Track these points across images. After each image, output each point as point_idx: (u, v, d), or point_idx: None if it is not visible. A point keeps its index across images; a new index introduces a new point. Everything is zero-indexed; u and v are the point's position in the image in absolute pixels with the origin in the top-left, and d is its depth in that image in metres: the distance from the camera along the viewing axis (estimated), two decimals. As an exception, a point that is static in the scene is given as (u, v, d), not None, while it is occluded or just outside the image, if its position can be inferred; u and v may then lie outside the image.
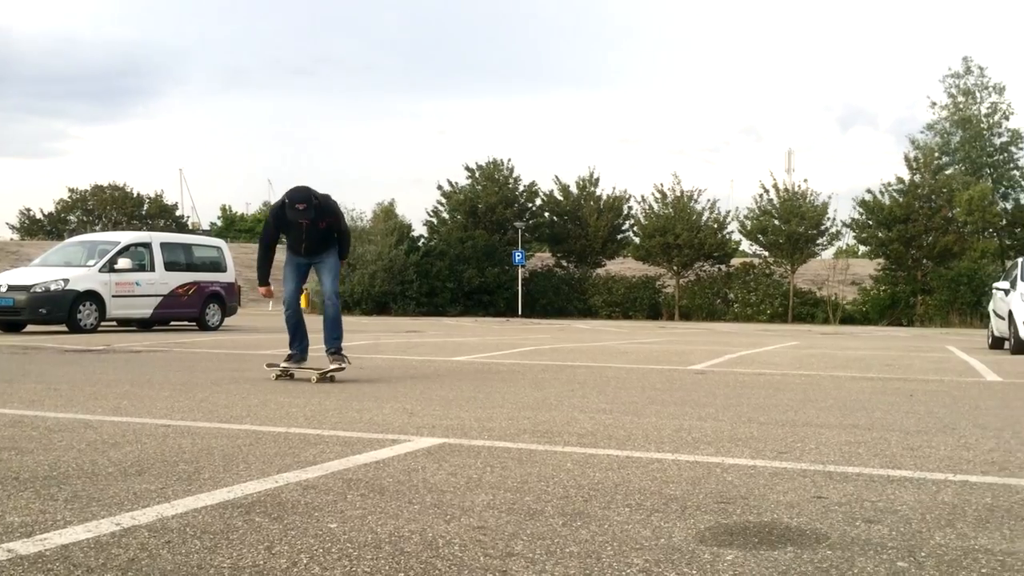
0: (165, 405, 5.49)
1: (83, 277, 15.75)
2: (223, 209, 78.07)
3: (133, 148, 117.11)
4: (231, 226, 73.74)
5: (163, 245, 17.55)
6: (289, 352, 7.33)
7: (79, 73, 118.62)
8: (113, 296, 16.10)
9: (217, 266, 18.71)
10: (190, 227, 53.58)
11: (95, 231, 42.70)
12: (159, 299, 17.00)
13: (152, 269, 16.97)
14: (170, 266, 17.37)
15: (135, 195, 51.87)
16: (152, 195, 52.44)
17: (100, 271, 16.00)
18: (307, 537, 2.54)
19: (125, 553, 2.37)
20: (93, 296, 15.75)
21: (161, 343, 12.68)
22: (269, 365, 7.41)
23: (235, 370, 8.27)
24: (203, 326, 17.86)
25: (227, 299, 18.58)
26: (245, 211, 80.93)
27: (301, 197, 6.95)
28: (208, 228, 61.53)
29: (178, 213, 55.09)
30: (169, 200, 52.77)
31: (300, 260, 7.35)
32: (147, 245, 17.22)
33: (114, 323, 17.15)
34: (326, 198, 7.19)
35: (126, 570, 2.23)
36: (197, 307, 17.80)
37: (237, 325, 20.13)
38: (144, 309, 16.88)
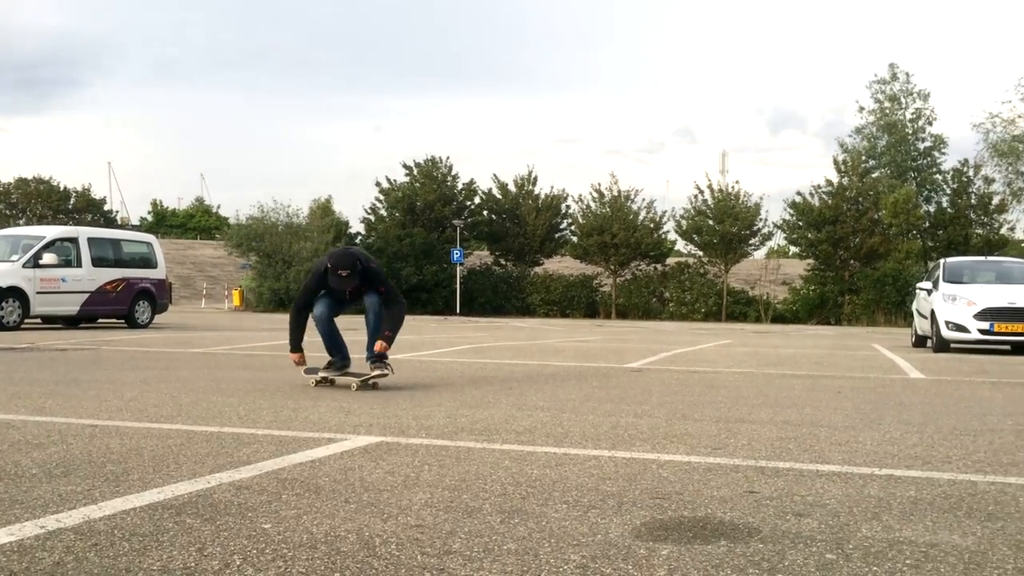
0: (92, 405, 5.34)
1: (6, 273, 15.22)
2: (154, 204, 76.33)
3: (59, 140, 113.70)
4: (162, 221, 72.14)
5: (91, 240, 17.06)
6: (329, 359, 6.76)
7: (1, 62, 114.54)
8: (38, 292, 15.60)
9: (147, 262, 18.27)
10: (119, 222, 52.16)
11: (19, 225, 41.27)
12: (86, 296, 16.53)
13: (79, 265, 16.49)
14: (98, 262, 16.91)
15: (61, 189, 50.26)
16: (79, 189, 50.88)
17: (24, 266, 15.49)
18: (240, 538, 2.49)
19: (50, 556, 2.29)
20: (16, 292, 15.24)
21: (88, 341, 12.33)
22: (308, 371, 6.74)
23: (166, 368, 8.08)
24: (132, 324, 17.43)
25: (157, 296, 18.16)
26: (177, 206, 79.25)
27: (346, 264, 6.37)
28: (138, 223, 60.05)
29: (107, 208, 53.56)
30: (97, 194, 51.25)
31: (343, 298, 6.73)
32: (74, 240, 16.73)
33: (39, 320, 16.63)
34: (374, 265, 6.65)
35: (51, 574, 2.16)
36: (126, 304, 17.36)
37: (168, 323, 19.68)
38: (70, 306, 16.39)
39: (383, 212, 38.41)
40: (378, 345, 6.53)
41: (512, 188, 38.38)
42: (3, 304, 15.02)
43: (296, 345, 6.77)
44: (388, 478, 3.31)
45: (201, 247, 60.34)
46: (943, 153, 39.26)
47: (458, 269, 35.48)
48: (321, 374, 6.71)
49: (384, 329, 6.57)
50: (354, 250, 6.70)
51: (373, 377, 6.50)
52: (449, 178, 38.04)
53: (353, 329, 7.93)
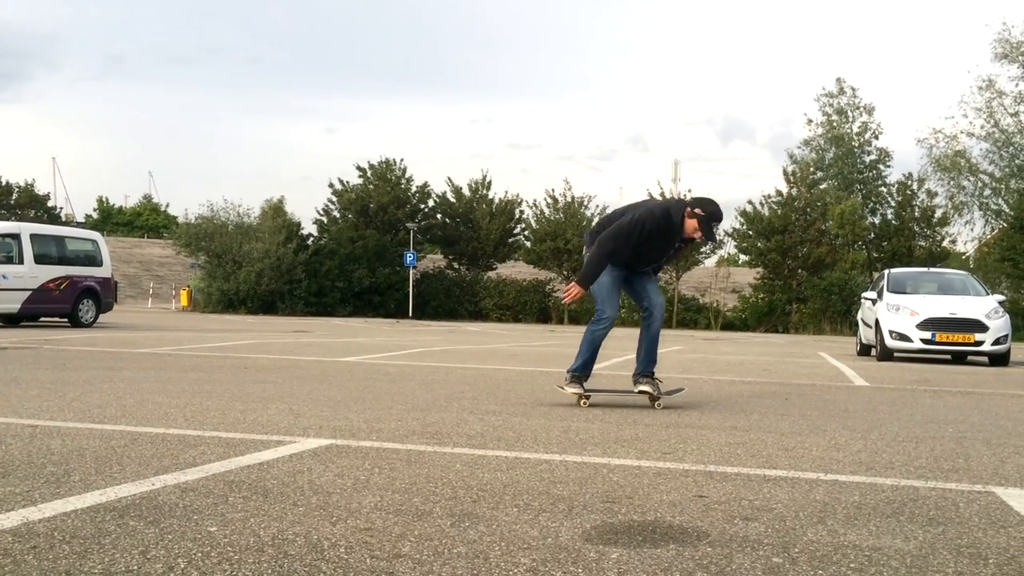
0: (33, 405, 5.20)
1: (-57, 268, 14.77)
2: (100, 201, 74.71)
3: (1, 134, 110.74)
4: (108, 219, 70.65)
5: (33, 237, 16.65)
6: (584, 373, 6.07)
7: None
8: (-24, 289, 15.17)
9: (92, 260, 17.87)
10: (63, 219, 50.94)
11: (-43, 220, 40.05)
12: (28, 293, 16.12)
13: (20, 262, 16.08)
14: (40, 259, 16.50)
15: (3, 183, 48.92)
16: (22, 184, 49.57)
17: (-38, 262, 15.05)
18: (185, 541, 2.45)
19: (-15, 560, 2.22)
20: (-46, 289, 14.81)
21: (30, 340, 12.01)
22: (567, 386, 6.05)
23: (110, 369, 7.91)
24: (76, 323, 17.03)
25: (102, 295, 17.78)
26: (124, 204, 77.67)
27: (721, 217, 5.85)
28: (83, 220, 58.68)
29: (50, 204, 52.23)
30: (41, 190, 49.94)
31: (620, 273, 6.04)
32: (16, 236, 16.30)
33: (-23, 318, 16.17)
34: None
35: (-14, 578, 2.10)
36: (69, 303, 16.97)
37: (113, 322, 19.26)
38: (11, 304, 15.97)
39: (336, 214, 38.09)
40: None
41: (466, 192, 38.34)
42: (-60, 301, 14.59)
43: (590, 283, 5.88)
44: (337, 481, 3.28)
45: (148, 246, 59.23)
46: (888, 166, 40.26)
47: (411, 272, 35.32)
48: (578, 388, 6.00)
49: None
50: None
51: (671, 392, 6.11)
52: (403, 181, 37.87)
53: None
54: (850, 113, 40.57)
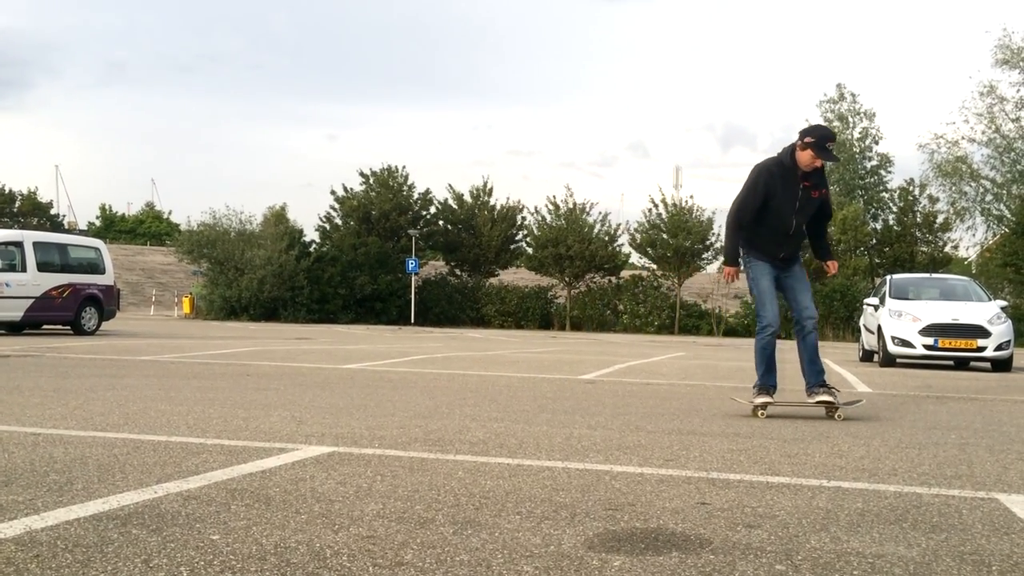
0: (36, 412, 5.20)
1: (-54, 276, 14.80)
2: (102, 208, 74.85)
3: (4, 142, 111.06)
4: (111, 226, 70.77)
5: (36, 245, 16.69)
6: (766, 384, 6.02)
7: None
8: (-21, 297, 15.21)
9: (95, 268, 17.90)
10: (66, 226, 51.08)
11: (-40, 228, 40.17)
12: (31, 301, 16.15)
13: (23, 269, 16.11)
14: (43, 267, 16.53)
15: (6, 191, 49.08)
16: (25, 192, 49.74)
17: (-35, 270, 15.08)
18: (188, 549, 2.45)
19: (-12, 569, 2.23)
20: (-43, 297, 14.84)
21: (32, 347, 12.02)
22: (752, 402, 6.04)
23: (113, 376, 7.91)
24: (78, 330, 17.05)
25: (105, 302, 17.80)
26: (126, 211, 77.82)
27: (833, 134, 5.69)
28: (85, 228, 58.79)
29: (53, 211, 52.48)
30: (44, 198, 50.29)
31: (773, 267, 6.03)
32: (19, 244, 16.34)
33: (-21, 326, 16.20)
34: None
35: (-11, 587, 2.10)
36: (72, 310, 16.99)
37: (115, 330, 19.28)
38: (14, 312, 15.99)
39: (338, 221, 38.12)
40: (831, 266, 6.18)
41: (468, 199, 38.37)
42: (-57, 309, 14.61)
43: (734, 258, 6.14)
44: (340, 488, 3.28)
45: (151, 253, 59.30)
46: (889, 172, 40.31)
47: (413, 279, 35.34)
48: (762, 399, 5.96)
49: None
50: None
51: (850, 403, 5.95)
52: (405, 187, 37.91)
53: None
54: (851, 119, 40.64)
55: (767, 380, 6.02)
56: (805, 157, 5.70)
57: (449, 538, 2.63)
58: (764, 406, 5.92)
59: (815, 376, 6.00)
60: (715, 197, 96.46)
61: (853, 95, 40.72)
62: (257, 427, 4.84)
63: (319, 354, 12.38)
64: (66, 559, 2.32)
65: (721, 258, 38.08)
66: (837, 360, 15.33)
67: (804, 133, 5.74)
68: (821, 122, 40.17)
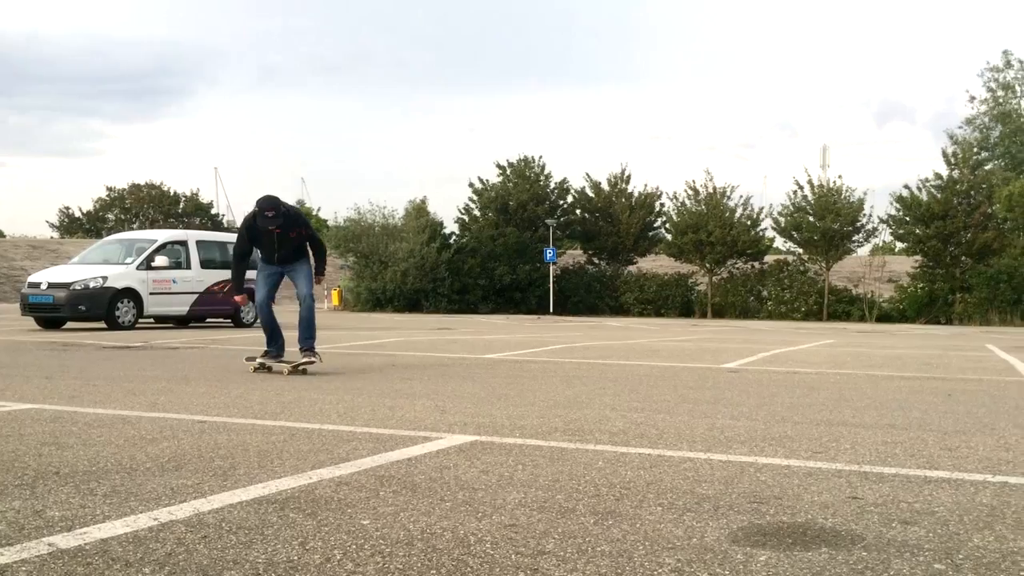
0: (201, 401, 5.57)
1: (121, 275, 15.99)
2: (257, 207, 78.89)
3: (168, 147, 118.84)
4: (265, 224, 74.49)
5: (199, 243, 17.77)
6: (266, 349, 7.78)
7: (112, 73, 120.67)
8: (150, 293, 16.35)
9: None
10: (225, 225, 54.17)
11: (133, 229, 43.33)
12: (195, 296, 17.22)
13: (188, 267, 17.19)
14: (206, 264, 17.58)
15: (171, 193, 52.58)
16: (188, 193, 53.14)
17: (138, 269, 16.24)
18: (340, 533, 2.56)
19: (162, 548, 2.41)
20: (131, 293, 16.00)
21: (197, 340, 12.84)
22: (248, 359, 7.87)
23: (269, 367, 8.34)
24: (238, 323, 18.06)
25: (261, 296, 18.74)
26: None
27: (270, 204, 7.40)
28: (243, 226, 62.04)
29: (213, 211, 55.76)
30: (204, 198, 53.47)
31: (273, 268, 7.85)
32: (183, 243, 17.46)
33: (151, 320, 17.41)
34: (295, 209, 7.82)
35: (163, 564, 2.27)
36: (233, 304, 18.00)
37: (271, 322, 20.31)
38: (181, 306, 17.10)
39: (476, 212, 38.72)
40: (317, 279, 8.05)
41: (605, 186, 38.14)
42: (119, 304, 15.79)
43: (240, 288, 8.05)
44: (482, 477, 3.35)
45: (302, 248, 61.96)
46: (1063, 143, 37.26)
47: (551, 268, 35.49)
48: (259, 360, 7.66)
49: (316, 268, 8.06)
50: (276, 196, 7.65)
51: (302, 364, 7.43)
52: (542, 177, 38.07)
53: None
54: (1018, 88, 37.81)
55: (268, 346, 7.93)
56: (260, 220, 7.67)
57: (590, 528, 2.64)
58: (262, 366, 7.78)
59: (303, 342, 7.74)
60: (868, 176, 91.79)
61: (1021, 62, 37.88)
62: (403, 416, 5.00)
63: (461, 344, 12.64)
64: (230, 540, 2.48)
65: (871, 241, 36.45)
66: (1004, 346, 14.36)
67: (256, 203, 7.61)
68: (984, 93, 37.73)
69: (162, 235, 17.78)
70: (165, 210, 51.17)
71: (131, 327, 15.81)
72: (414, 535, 2.55)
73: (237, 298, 8.13)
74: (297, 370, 7.46)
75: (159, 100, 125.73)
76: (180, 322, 17.77)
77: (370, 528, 2.62)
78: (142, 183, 52.68)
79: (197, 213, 52.05)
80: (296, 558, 2.33)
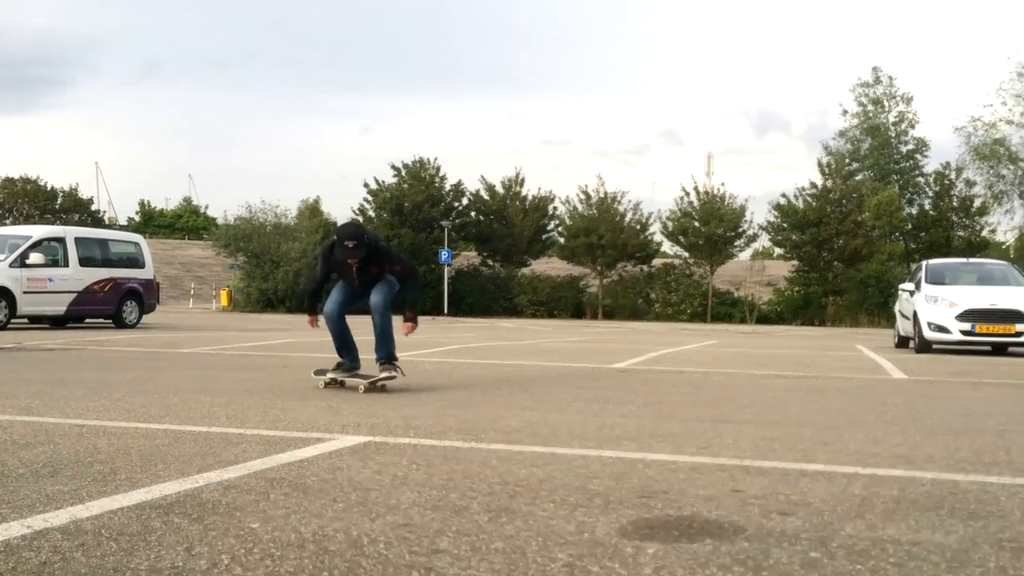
0: (80, 405, 5.32)
1: (-9, 272, 15.13)
2: (141, 204, 75.89)
3: (45, 139, 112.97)
4: (150, 221, 71.75)
5: (78, 240, 16.99)
6: (338, 361, 6.82)
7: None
8: (24, 292, 15.52)
9: (135, 262, 18.18)
10: (106, 222, 51.87)
11: (6, 225, 40.92)
12: (73, 295, 16.45)
13: (66, 265, 16.41)
14: (85, 262, 16.83)
15: (48, 188, 49.89)
16: (66, 189, 50.53)
17: (11, 266, 15.40)
18: (228, 537, 2.50)
19: (36, 556, 2.30)
20: (3, 292, 15.16)
21: (75, 341, 12.26)
22: (317, 372, 6.87)
23: (153, 368, 8.06)
24: (120, 324, 17.35)
25: (145, 296, 18.08)
26: (164, 206, 78.81)
27: (351, 234, 6.38)
28: (125, 223, 59.70)
29: (94, 207, 53.18)
30: (84, 194, 50.90)
31: (354, 285, 6.78)
32: (61, 240, 16.65)
33: (25, 320, 16.54)
34: (381, 241, 6.73)
35: (38, 574, 2.16)
36: (114, 304, 17.29)
37: (155, 323, 19.58)
38: (57, 306, 16.31)
39: (371, 213, 38.33)
40: (405, 327, 6.72)
41: (499, 189, 38.40)
42: (-12, 304, 14.93)
43: (312, 311, 7.20)
44: (376, 477, 3.32)
45: (189, 247, 60.06)
46: (925, 156, 39.56)
47: (446, 270, 35.46)
48: (330, 375, 6.69)
49: (405, 311, 6.78)
50: (358, 222, 6.74)
51: (381, 379, 6.40)
52: (437, 179, 38.03)
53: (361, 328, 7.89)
54: (886, 103, 39.93)
55: (340, 356, 6.78)
56: (339, 251, 6.47)
57: (484, 526, 2.66)
58: (334, 381, 6.61)
59: (380, 353, 6.55)
60: (748, 184, 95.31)
61: (890, 78, 40.00)
62: (295, 417, 4.91)
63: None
64: (110, 547, 2.39)
65: (752, 246, 37.83)
66: (872, 346, 15.16)
67: (335, 230, 6.69)
68: (856, 107, 39.67)
69: (37, 231, 16.91)
70: (41, 206, 48.50)
71: (3, 328, 14.97)
72: (306, 537, 2.51)
73: (309, 319, 7.29)
74: (375, 387, 6.41)
75: (35, 90, 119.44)
76: (56, 322, 16.95)
77: (260, 531, 2.57)
78: (16, 177, 49.83)
79: (77, 209, 49.56)
80: (181, 564, 2.26)
